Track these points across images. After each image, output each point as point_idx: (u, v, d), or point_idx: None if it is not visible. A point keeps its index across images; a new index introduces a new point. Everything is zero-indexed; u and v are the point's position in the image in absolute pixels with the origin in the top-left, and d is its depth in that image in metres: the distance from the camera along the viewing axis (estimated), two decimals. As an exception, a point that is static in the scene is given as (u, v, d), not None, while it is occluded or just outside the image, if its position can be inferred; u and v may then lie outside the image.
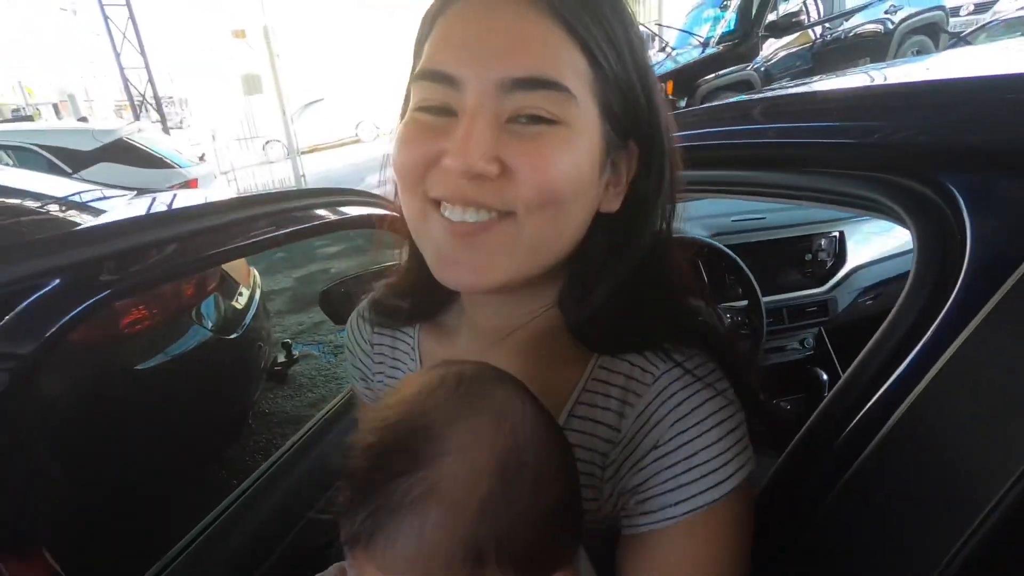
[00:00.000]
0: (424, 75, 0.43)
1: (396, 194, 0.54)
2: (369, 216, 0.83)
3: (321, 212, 0.73)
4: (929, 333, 0.44)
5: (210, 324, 2.30)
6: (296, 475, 1.17)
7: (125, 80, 7.82)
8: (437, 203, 0.45)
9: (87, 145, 4.06)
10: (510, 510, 0.35)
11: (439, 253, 0.46)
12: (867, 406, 0.46)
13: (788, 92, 0.78)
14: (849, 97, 0.63)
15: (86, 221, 2.30)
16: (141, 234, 0.55)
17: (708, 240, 1.53)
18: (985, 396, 0.37)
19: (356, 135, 15.14)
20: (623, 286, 0.48)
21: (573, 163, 0.43)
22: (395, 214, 0.95)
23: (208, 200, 0.66)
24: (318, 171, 10.40)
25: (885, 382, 0.45)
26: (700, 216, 1.77)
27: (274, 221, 0.65)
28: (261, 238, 0.63)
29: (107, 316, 1.82)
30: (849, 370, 0.49)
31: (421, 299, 0.57)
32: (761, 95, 0.78)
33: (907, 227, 0.48)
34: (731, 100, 0.78)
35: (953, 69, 0.63)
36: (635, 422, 0.46)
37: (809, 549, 0.46)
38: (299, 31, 15.39)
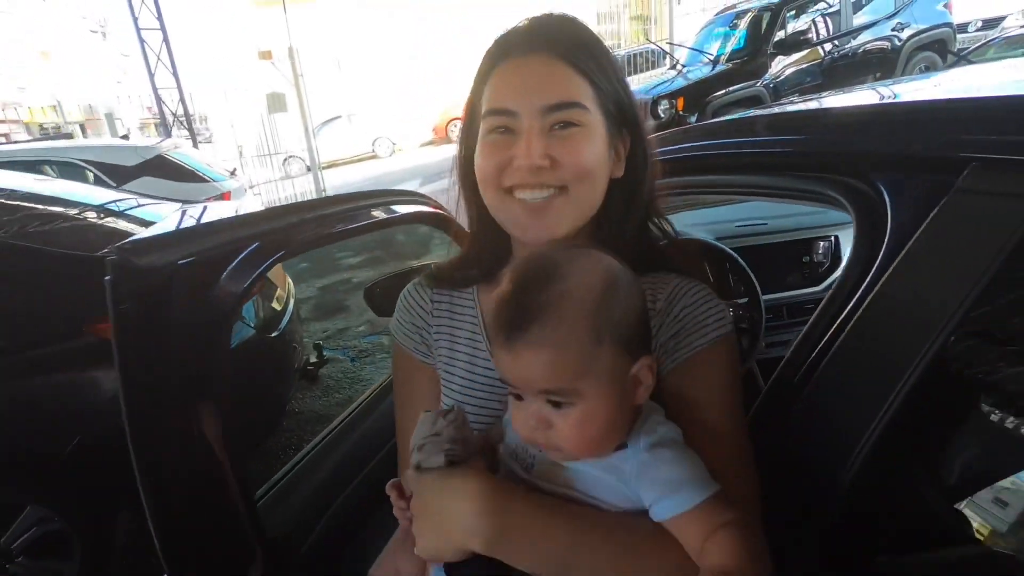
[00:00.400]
0: (492, 112, 0.66)
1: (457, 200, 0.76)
2: (430, 213, 1.01)
3: (394, 208, 0.91)
4: (866, 281, 0.60)
5: (253, 323, 2.48)
6: (346, 445, 1.33)
7: (159, 99, 8.19)
8: (509, 190, 0.67)
9: (130, 161, 4.33)
10: (616, 307, 0.55)
11: (520, 223, 0.68)
12: (831, 330, 0.63)
13: (767, 112, 0.95)
14: (810, 116, 0.80)
15: (140, 226, 2.51)
16: (299, 213, 0.74)
17: (713, 242, 1.69)
18: (895, 316, 0.54)
19: (373, 151, 15.52)
20: (639, 230, 0.71)
21: (593, 150, 0.66)
22: (444, 211, 1.13)
23: (320, 197, 0.83)
24: (337, 185, 10.70)
25: (841, 313, 0.62)
26: (707, 223, 1.93)
27: (368, 212, 0.85)
28: (362, 223, 0.82)
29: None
30: (820, 306, 0.66)
31: (485, 265, 0.77)
32: (746, 114, 0.95)
33: (848, 212, 0.65)
34: (723, 118, 0.94)
35: (902, 93, 0.80)
36: (664, 302, 0.67)
37: (790, 426, 0.63)
38: (319, 52, 15.87)
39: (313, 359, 3.49)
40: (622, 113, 0.69)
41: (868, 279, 0.60)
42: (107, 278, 0.54)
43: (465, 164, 0.73)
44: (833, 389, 0.58)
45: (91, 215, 2.51)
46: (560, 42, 0.65)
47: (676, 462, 0.54)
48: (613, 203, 0.70)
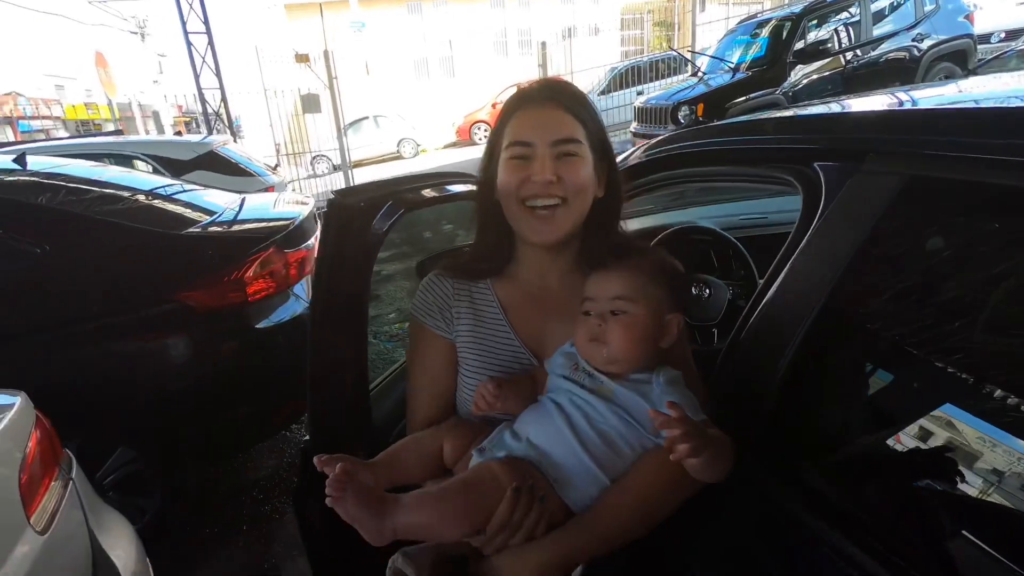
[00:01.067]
0: (514, 143, 0.89)
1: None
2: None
3: (458, 186, 1.19)
4: (803, 239, 0.86)
5: (304, 300, 2.77)
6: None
7: (203, 99, 8.67)
8: (523, 202, 0.89)
9: (185, 155, 4.71)
10: (670, 271, 0.87)
11: (531, 227, 0.91)
12: (776, 280, 0.88)
13: (743, 119, 1.22)
14: (775, 121, 1.06)
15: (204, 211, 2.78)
16: (413, 183, 1.03)
17: (718, 231, 1.93)
18: (814, 259, 0.80)
19: (398, 151, 15.96)
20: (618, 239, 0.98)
21: (586, 172, 0.89)
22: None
23: (420, 173, 1.12)
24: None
25: (787, 261, 0.87)
26: (715, 215, 2.19)
27: (448, 187, 1.13)
28: (446, 194, 1.11)
29: (239, 285, 2.32)
30: (777, 257, 0.92)
31: (494, 261, 0.99)
32: (728, 120, 1.21)
33: (798, 192, 0.91)
34: (719, 122, 1.20)
35: (846, 105, 1.06)
36: None
37: (747, 339, 0.89)
38: (348, 55, 16.33)
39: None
40: (603, 149, 0.93)
41: (807, 236, 0.86)
42: (323, 209, 0.83)
43: (485, 183, 0.95)
44: (777, 309, 0.84)
45: (168, 201, 2.84)
46: (563, 97, 0.90)
47: (680, 395, 0.79)
48: (596, 214, 0.94)
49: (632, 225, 2.35)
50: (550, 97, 0.90)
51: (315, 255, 2.72)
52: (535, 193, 0.88)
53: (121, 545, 1.40)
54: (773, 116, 1.11)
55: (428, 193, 1.09)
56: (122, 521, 1.50)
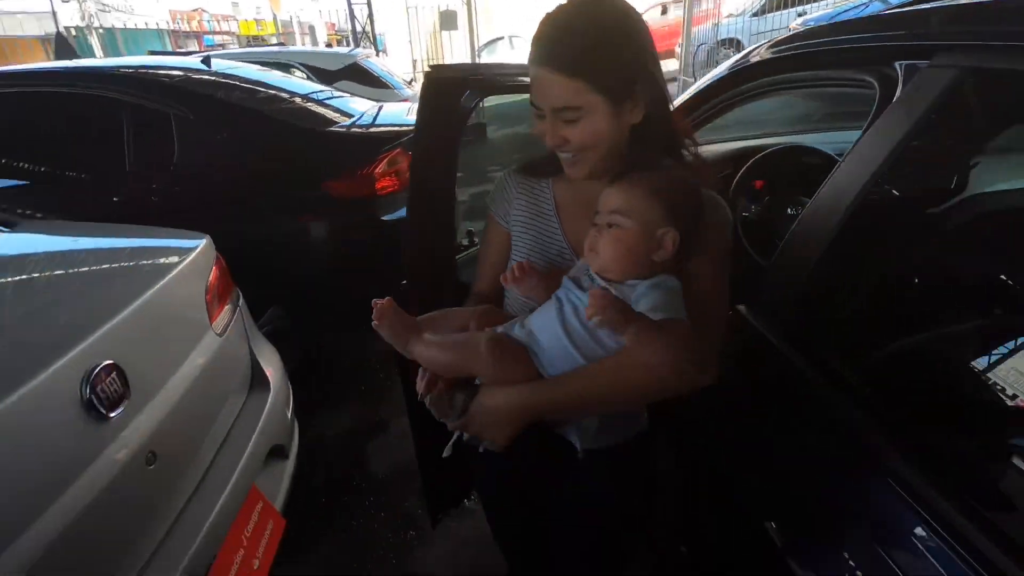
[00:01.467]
0: (532, 103, 0.92)
1: None
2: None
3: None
4: (875, 125, 0.88)
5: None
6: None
7: (352, 15, 9.24)
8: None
9: (333, 66, 5.17)
10: (678, 193, 0.88)
11: (563, 167, 0.98)
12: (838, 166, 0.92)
13: (828, 23, 1.18)
14: (864, 20, 1.03)
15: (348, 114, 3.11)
16: (504, 69, 1.19)
17: (827, 152, 1.87)
18: (881, 139, 0.83)
19: (530, 73, 15.76)
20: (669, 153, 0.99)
21: (592, 129, 0.90)
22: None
23: (505, 63, 1.25)
24: (495, 101, 11.24)
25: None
26: (830, 141, 2.08)
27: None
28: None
29: (370, 180, 2.65)
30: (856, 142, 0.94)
31: (555, 166, 1.02)
32: (815, 26, 1.17)
33: (873, 89, 0.91)
34: (810, 27, 1.16)
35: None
36: None
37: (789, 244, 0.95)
38: (490, -31, 16.05)
39: (464, 242, 4.09)
40: (631, 80, 0.88)
41: (877, 123, 0.88)
42: (422, 82, 1.02)
43: None
44: (824, 203, 0.89)
45: (318, 104, 3.22)
46: (559, 58, 0.86)
47: (659, 296, 0.83)
48: (638, 139, 0.95)
49: (742, 145, 2.30)
50: (545, 61, 0.87)
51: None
52: (553, 148, 0.95)
53: (271, 365, 1.81)
54: (860, 16, 1.07)
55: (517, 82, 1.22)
56: (273, 350, 1.92)
